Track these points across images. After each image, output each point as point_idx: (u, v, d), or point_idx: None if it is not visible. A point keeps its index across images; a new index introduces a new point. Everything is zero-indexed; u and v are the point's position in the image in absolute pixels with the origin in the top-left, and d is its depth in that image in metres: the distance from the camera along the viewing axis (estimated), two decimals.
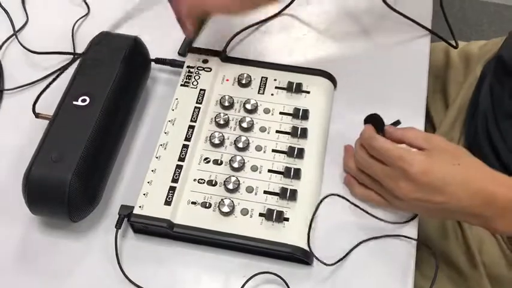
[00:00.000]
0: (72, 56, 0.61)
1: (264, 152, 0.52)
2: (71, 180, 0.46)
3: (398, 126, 0.50)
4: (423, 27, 0.63)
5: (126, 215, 0.48)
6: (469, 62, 0.75)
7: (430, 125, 0.74)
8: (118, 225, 0.48)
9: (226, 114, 0.54)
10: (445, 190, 0.45)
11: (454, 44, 0.66)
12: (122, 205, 0.49)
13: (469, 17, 1.64)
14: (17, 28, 0.64)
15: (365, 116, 0.51)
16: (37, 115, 0.53)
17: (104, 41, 0.55)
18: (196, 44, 0.60)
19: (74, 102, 0.50)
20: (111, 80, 0.52)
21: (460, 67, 0.75)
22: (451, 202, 0.45)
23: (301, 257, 0.47)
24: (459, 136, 0.67)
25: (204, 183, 0.50)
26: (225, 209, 0.48)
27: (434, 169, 0.45)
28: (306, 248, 0.47)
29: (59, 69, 0.59)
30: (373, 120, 0.50)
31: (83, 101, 0.50)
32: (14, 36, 0.63)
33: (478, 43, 0.77)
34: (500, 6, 1.57)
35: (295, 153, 0.52)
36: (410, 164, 0.45)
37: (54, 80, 0.56)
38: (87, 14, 0.66)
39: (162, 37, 0.62)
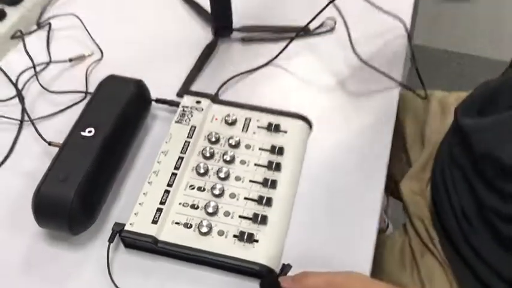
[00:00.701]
0: (84, 95, 0.70)
1: (242, 181, 0.60)
2: (73, 199, 0.54)
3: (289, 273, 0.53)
4: (392, 79, 0.71)
5: (118, 231, 0.55)
6: (445, 110, 0.82)
7: (407, 163, 0.81)
8: (111, 239, 0.55)
9: (212, 148, 0.62)
10: None
11: (423, 95, 0.74)
12: (115, 222, 0.56)
13: (466, 72, 1.73)
14: (38, 69, 0.74)
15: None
16: (49, 143, 0.62)
17: (111, 83, 0.65)
18: (193, 88, 0.70)
19: (81, 133, 0.59)
20: (115, 115, 0.61)
21: (438, 113, 0.82)
22: None
23: (266, 274, 0.53)
24: (427, 180, 0.74)
25: (187, 206, 0.58)
26: (204, 230, 0.55)
27: None
28: (272, 266, 0.54)
29: (71, 105, 0.69)
30: (269, 283, 0.53)
31: (89, 132, 0.59)
32: (35, 77, 0.73)
33: (459, 94, 0.84)
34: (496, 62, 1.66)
35: (269, 184, 0.59)
36: None
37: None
38: (100, 59, 0.76)
39: (164, 79, 0.71)
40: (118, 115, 0.61)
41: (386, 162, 0.64)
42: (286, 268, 0.53)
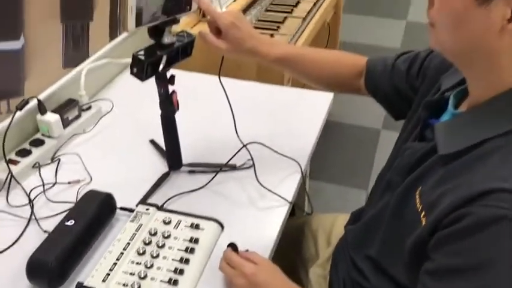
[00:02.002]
0: (73, 204, 1.03)
1: (167, 260, 0.89)
2: (52, 262, 0.84)
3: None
4: (284, 198, 1.04)
5: (78, 286, 0.85)
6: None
7: (316, 255, 1.11)
8: None
9: (151, 238, 0.93)
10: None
11: (310, 212, 1.06)
12: (78, 281, 0.86)
13: None
14: (46, 188, 1.09)
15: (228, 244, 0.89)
16: (45, 231, 0.94)
17: (90, 194, 0.99)
18: (149, 201, 1.03)
19: (66, 223, 0.91)
20: (90, 213, 0.94)
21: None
22: None
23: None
24: (329, 268, 1.03)
25: (127, 273, 0.87)
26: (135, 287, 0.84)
27: (258, 274, 0.82)
28: None
29: (64, 211, 1.02)
30: (232, 246, 0.89)
31: (71, 222, 0.91)
32: (43, 192, 1.08)
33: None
34: None
35: (184, 260, 0.89)
36: (246, 268, 0.83)
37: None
38: (89, 182, 1.11)
39: (131, 193, 1.05)
40: (92, 213, 0.94)
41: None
42: (234, 246, 0.88)
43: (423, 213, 0.72)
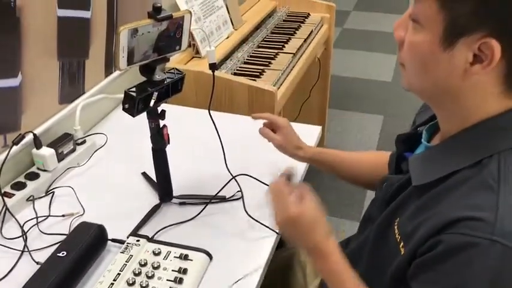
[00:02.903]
0: (65, 236, 1.06)
1: None
2: None
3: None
4: (272, 229, 1.07)
5: None
6: None
7: (304, 283, 1.12)
8: None
9: (140, 269, 0.95)
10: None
11: None
12: None
13: None
14: (40, 220, 1.11)
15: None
16: (37, 263, 0.96)
17: (82, 225, 1.01)
18: (140, 232, 1.05)
19: (58, 254, 0.94)
20: (81, 245, 0.96)
21: None
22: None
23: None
24: None
25: None
26: None
27: (302, 217, 0.83)
28: None
29: (57, 243, 1.04)
30: (288, 175, 0.91)
31: (63, 253, 0.94)
32: (36, 225, 1.10)
33: None
34: None
35: None
36: (291, 209, 0.83)
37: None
38: (82, 214, 1.13)
39: (121, 225, 1.07)
40: (84, 245, 0.97)
41: None
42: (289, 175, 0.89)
43: (402, 244, 0.75)
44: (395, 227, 0.78)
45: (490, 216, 0.64)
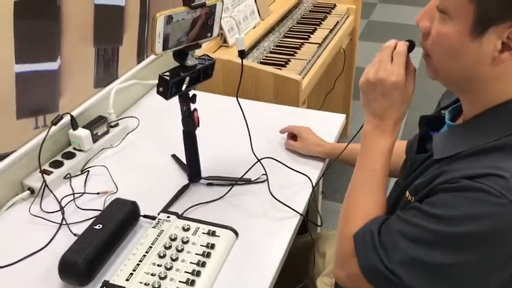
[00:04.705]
0: (100, 211, 1.12)
1: (185, 262, 0.97)
2: (80, 262, 0.93)
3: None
4: (295, 210, 1.11)
5: (105, 284, 0.93)
6: None
7: (323, 267, 1.17)
8: None
9: (171, 243, 1.01)
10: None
11: (319, 223, 1.13)
12: (104, 280, 0.94)
13: None
14: (76, 197, 1.18)
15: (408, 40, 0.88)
16: (75, 234, 1.03)
17: (116, 202, 1.08)
18: (170, 209, 1.11)
19: (94, 227, 1.00)
20: (116, 219, 1.02)
21: None
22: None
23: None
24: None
25: (149, 274, 0.95)
26: (156, 286, 0.92)
27: (385, 84, 0.84)
28: None
29: (92, 217, 1.11)
30: (410, 43, 0.88)
31: (99, 226, 1.00)
32: (73, 200, 1.17)
33: None
34: None
35: (201, 264, 0.96)
36: (382, 72, 0.84)
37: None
38: (115, 192, 1.20)
39: (153, 202, 1.13)
40: (118, 219, 1.03)
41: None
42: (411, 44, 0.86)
43: (412, 198, 0.80)
44: (407, 193, 0.82)
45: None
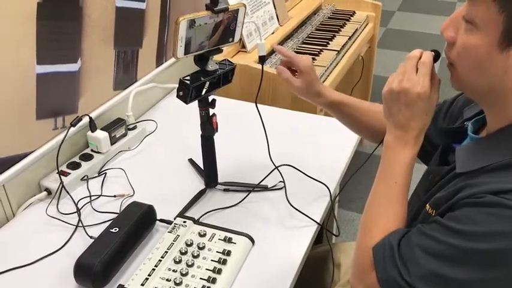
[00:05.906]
0: (117, 215, 1.12)
1: (201, 269, 0.96)
2: (96, 265, 0.92)
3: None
4: (312, 219, 1.10)
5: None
6: None
7: (338, 278, 1.15)
8: None
9: (187, 248, 1.00)
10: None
11: (336, 233, 1.11)
12: (119, 284, 0.93)
13: None
14: (93, 199, 1.18)
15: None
16: (91, 237, 1.03)
17: (133, 205, 1.07)
18: (186, 214, 1.10)
19: (110, 230, 1.00)
20: (132, 222, 1.02)
21: None
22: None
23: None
24: None
25: (164, 279, 0.94)
26: None
27: (409, 94, 0.80)
28: None
29: (108, 220, 1.10)
30: (436, 53, 0.84)
31: (115, 229, 1.00)
32: (90, 203, 1.17)
33: None
34: None
35: (216, 271, 0.95)
36: (406, 82, 0.81)
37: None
38: (132, 195, 1.19)
39: (169, 207, 1.13)
40: (134, 223, 1.02)
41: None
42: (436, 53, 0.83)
43: (433, 212, 0.79)
44: (428, 206, 0.80)
45: None
